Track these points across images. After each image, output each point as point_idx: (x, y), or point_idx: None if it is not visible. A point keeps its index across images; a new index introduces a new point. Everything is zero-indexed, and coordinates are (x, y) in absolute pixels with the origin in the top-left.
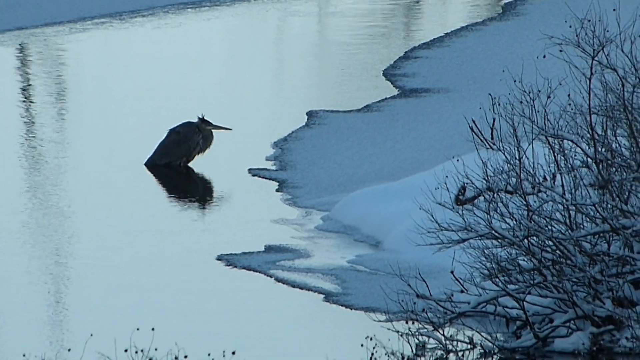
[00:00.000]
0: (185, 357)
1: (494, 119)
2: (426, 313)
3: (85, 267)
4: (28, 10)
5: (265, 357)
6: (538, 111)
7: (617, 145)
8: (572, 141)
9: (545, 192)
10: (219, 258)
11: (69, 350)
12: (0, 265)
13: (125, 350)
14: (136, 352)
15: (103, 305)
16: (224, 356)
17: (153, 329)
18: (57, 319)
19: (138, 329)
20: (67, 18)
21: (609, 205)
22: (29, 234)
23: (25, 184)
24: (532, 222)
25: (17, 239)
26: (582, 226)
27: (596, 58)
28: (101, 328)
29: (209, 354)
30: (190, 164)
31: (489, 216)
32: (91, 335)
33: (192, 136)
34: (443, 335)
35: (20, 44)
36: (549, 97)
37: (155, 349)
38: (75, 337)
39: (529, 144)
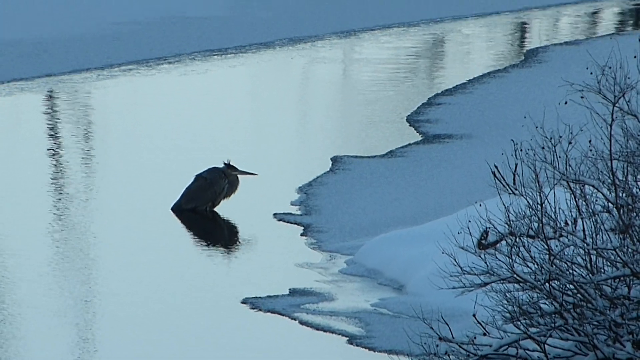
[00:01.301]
0: None
1: (516, 165)
2: (449, 356)
3: (111, 310)
4: (56, 57)
5: None
6: (559, 157)
7: (638, 190)
8: (593, 186)
9: (567, 237)
10: (244, 301)
11: None
12: (28, 309)
13: None
14: None
15: (129, 348)
16: None
17: None
18: None
19: None
20: (95, 65)
21: (629, 250)
22: (57, 276)
23: (52, 227)
24: (554, 266)
25: (45, 281)
26: (602, 270)
27: (617, 104)
28: None
29: None
30: (216, 209)
31: (511, 260)
32: None
33: (218, 181)
34: None
35: (48, 90)
36: (570, 142)
37: None
38: None
39: (551, 189)
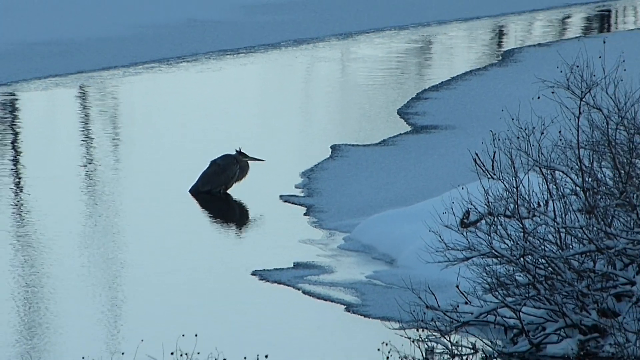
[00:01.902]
0: (225, 359)
1: (494, 152)
2: (434, 322)
3: (136, 281)
4: (87, 56)
5: (295, 358)
6: (533, 145)
7: (602, 175)
8: (562, 172)
9: (539, 217)
10: (253, 273)
11: (123, 354)
12: (62, 277)
13: (172, 354)
14: (181, 355)
15: (152, 314)
16: (258, 358)
17: (196, 335)
18: (112, 326)
19: (183, 335)
20: (121, 63)
21: (594, 228)
22: (89, 250)
23: (85, 204)
24: (528, 243)
25: (77, 254)
26: (571, 246)
27: (584, 99)
28: (151, 334)
29: (244, 357)
30: (228, 191)
31: (489, 237)
32: (142, 340)
33: (230, 167)
34: (449, 341)
35: (80, 86)
36: (542, 133)
37: (198, 353)
38: (127, 342)
39: (525, 174)
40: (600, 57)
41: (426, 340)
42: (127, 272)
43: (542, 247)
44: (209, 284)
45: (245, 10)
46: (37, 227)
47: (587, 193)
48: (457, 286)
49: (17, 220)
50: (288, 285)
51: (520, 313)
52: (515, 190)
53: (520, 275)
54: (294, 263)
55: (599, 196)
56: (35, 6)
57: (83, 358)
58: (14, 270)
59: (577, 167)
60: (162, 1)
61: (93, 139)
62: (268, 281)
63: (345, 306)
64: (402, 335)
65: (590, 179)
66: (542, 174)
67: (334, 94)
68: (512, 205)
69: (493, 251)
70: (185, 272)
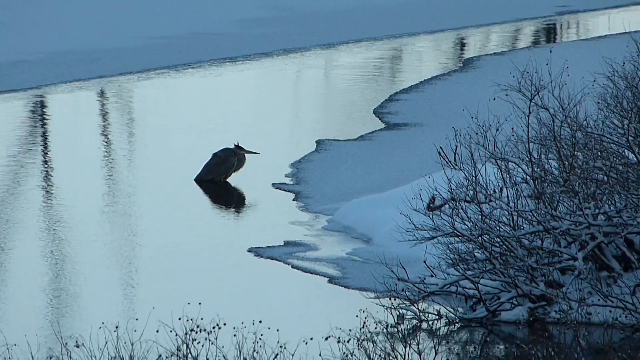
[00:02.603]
0: (225, 324)
1: (456, 146)
2: (405, 292)
3: (148, 257)
4: (106, 64)
5: (283, 324)
6: (489, 140)
7: (549, 166)
8: (515, 163)
9: (495, 202)
10: (249, 250)
11: (137, 319)
12: (84, 254)
13: (179, 319)
14: (187, 320)
15: (161, 285)
16: (253, 324)
17: (200, 304)
18: (127, 296)
19: (189, 303)
20: (136, 69)
21: (542, 212)
22: (107, 230)
23: (104, 194)
24: (485, 224)
25: (98, 234)
26: (522, 227)
27: (533, 100)
28: (161, 302)
29: (242, 322)
30: (228, 180)
31: (452, 219)
32: (153, 307)
33: (229, 158)
34: (417, 309)
35: (100, 89)
36: (497, 129)
37: (202, 318)
38: (141, 309)
39: (483, 165)
40: (547, 64)
41: (398, 307)
42: (140, 250)
43: (497, 227)
44: (211, 259)
45: (242, 24)
46: (63, 210)
47: (536, 181)
48: (424, 261)
49: (47, 205)
50: (279, 261)
51: (479, 284)
52: (474, 179)
53: (478, 252)
54: (284, 241)
55: (546, 184)
56: (62, 20)
57: (103, 323)
58: (44, 247)
59: (527, 159)
60: (170, 16)
61: (111, 135)
62: (262, 257)
63: (328, 278)
64: (377, 304)
65: (538, 169)
66: (497, 165)
67: (319, 95)
68: (471, 192)
69: (455, 231)
70: (190, 249)
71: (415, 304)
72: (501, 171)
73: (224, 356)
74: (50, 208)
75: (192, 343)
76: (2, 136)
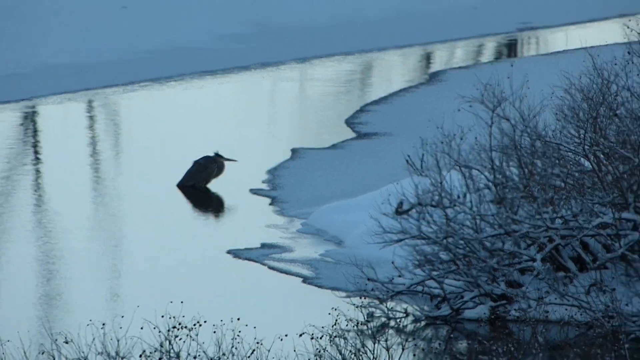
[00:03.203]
0: (205, 322)
1: (423, 154)
2: (374, 291)
3: (132, 258)
4: (93, 76)
5: (260, 322)
6: (454, 149)
7: (510, 173)
8: (478, 170)
9: (459, 206)
10: (228, 252)
11: (122, 317)
12: (72, 257)
13: (162, 317)
14: (169, 318)
15: (145, 285)
16: (231, 321)
17: (182, 302)
18: (113, 295)
19: (171, 302)
20: (121, 82)
21: (503, 216)
22: (94, 233)
23: (91, 199)
24: (449, 227)
25: (85, 236)
26: (484, 230)
27: (495, 111)
28: (144, 301)
29: (221, 320)
30: (208, 185)
31: (419, 223)
32: (138, 306)
33: (209, 165)
34: (386, 307)
35: (88, 100)
36: (461, 138)
37: (183, 316)
38: (126, 307)
39: (448, 172)
40: (508, 77)
41: (367, 306)
42: (125, 251)
43: (461, 231)
44: (192, 260)
45: (221, 39)
46: (52, 215)
47: (498, 187)
48: (393, 262)
49: (36, 211)
50: (256, 262)
51: (443, 284)
52: (439, 185)
53: (443, 254)
54: (260, 244)
55: (507, 190)
56: (52, 35)
57: (90, 320)
58: (35, 250)
59: (489, 166)
60: (154, 32)
61: (98, 143)
62: (240, 258)
63: (302, 278)
64: (348, 303)
65: (500, 176)
66: (461, 171)
67: (294, 106)
68: (437, 197)
69: (421, 234)
70: (172, 251)
71: (383, 303)
72: (465, 178)
73: (204, 352)
74: (41, 213)
75: (175, 339)
76: None
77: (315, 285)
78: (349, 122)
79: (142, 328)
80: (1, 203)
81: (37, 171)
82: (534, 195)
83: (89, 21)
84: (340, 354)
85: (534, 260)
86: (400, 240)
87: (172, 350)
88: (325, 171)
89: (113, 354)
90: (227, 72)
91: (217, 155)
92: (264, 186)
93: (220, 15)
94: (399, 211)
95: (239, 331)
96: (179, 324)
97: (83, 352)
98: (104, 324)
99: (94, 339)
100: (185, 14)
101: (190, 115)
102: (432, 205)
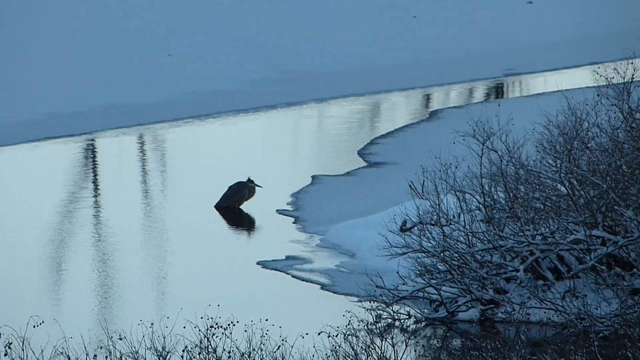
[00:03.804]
0: (238, 322)
1: (423, 181)
2: (382, 297)
3: (176, 267)
4: (144, 114)
5: (284, 322)
6: (450, 176)
7: (497, 196)
8: (470, 194)
9: (454, 224)
10: (258, 263)
11: (168, 317)
12: (125, 266)
13: (201, 317)
14: (208, 319)
15: (187, 291)
16: (260, 322)
17: (218, 305)
18: (159, 299)
19: (209, 305)
20: (167, 118)
21: (491, 233)
22: (145, 246)
23: (141, 217)
24: (446, 242)
25: (137, 249)
26: (475, 245)
27: (485, 144)
28: (187, 304)
29: (251, 320)
30: (241, 207)
31: (420, 239)
32: (181, 308)
33: (242, 190)
34: (392, 310)
35: (139, 134)
36: (456, 167)
37: (219, 317)
38: (170, 310)
39: (444, 196)
40: (496, 115)
41: (376, 309)
42: (170, 262)
43: (456, 245)
44: (227, 269)
45: (252, 83)
46: (109, 231)
47: (487, 208)
48: (397, 272)
49: (96, 226)
50: (281, 271)
51: (441, 291)
52: (437, 206)
53: (440, 265)
54: (285, 256)
55: (495, 210)
56: (108, 78)
57: (141, 320)
58: (93, 260)
59: (480, 190)
60: (195, 77)
61: (148, 171)
62: (267, 268)
63: (320, 285)
64: (359, 306)
65: (489, 199)
66: (456, 195)
67: (313, 140)
68: (435, 217)
69: (422, 248)
70: (210, 261)
71: (390, 306)
72: (459, 200)
73: (237, 347)
74: (100, 229)
75: (212, 337)
76: (62, 171)
77: (332, 292)
78: (360, 153)
79: (184, 327)
80: (66, 220)
81: (96, 193)
82: (517, 215)
83: (140, 67)
84: (353, 349)
85: (517, 270)
86: (404, 253)
87: (209, 346)
88: (340, 195)
89: (160, 349)
90: (256, 110)
91: (249, 181)
92: (288, 207)
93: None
94: (403, 229)
95: (267, 330)
96: (216, 323)
97: (134, 347)
98: (152, 324)
99: (143, 336)
100: (221, 61)
101: (225, 147)
102: (431, 224)
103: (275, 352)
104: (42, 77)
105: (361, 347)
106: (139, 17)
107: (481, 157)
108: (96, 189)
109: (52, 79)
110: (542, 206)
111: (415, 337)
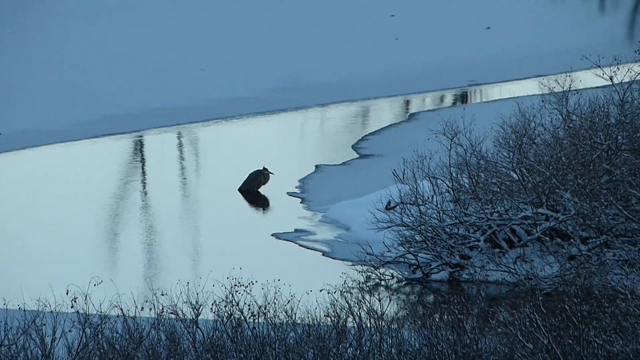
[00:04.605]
0: (256, 281)
1: (404, 169)
2: (371, 262)
3: (205, 238)
4: (181, 116)
5: (293, 281)
6: (425, 165)
7: (463, 181)
8: (441, 179)
9: (428, 204)
10: (272, 234)
11: (200, 278)
12: (165, 237)
13: (227, 278)
14: (232, 279)
15: (215, 256)
16: (274, 281)
17: (240, 268)
18: (193, 265)
19: (233, 268)
20: (200, 119)
21: (458, 210)
22: (180, 224)
23: (178, 198)
24: (422, 218)
25: (174, 221)
26: (445, 220)
27: (453, 139)
28: (215, 267)
29: (267, 280)
30: (259, 190)
31: (401, 215)
32: (211, 271)
33: (259, 176)
34: (379, 272)
35: (178, 132)
36: (430, 158)
37: (241, 277)
38: (201, 272)
39: (421, 181)
40: (462, 117)
41: (366, 271)
42: (201, 234)
43: (430, 220)
44: (247, 240)
45: (268, 92)
46: (153, 210)
47: (454, 191)
48: (383, 242)
49: (142, 208)
50: (291, 241)
51: (418, 257)
52: (415, 189)
53: (417, 236)
54: (294, 229)
55: (461, 193)
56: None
57: (179, 280)
58: (141, 235)
59: (449, 177)
60: (222, 86)
61: (184, 162)
62: (280, 239)
63: (322, 253)
64: (353, 269)
65: (456, 184)
66: (430, 181)
67: (316, 136)
68: (413, 198)
69: (403, 223)
70: (234, 233)
71: (377, 269)
72: (432, 185)
73: (255, 302)
74: (145, 207)
75: (235, 293)
76: (115, 163)
77: (331, 257)
78: (354, 147)
79: (213, 285)
80: (119, 200)
81: (143, 179)
82: (479, 197)
83: (178, 79)
84: (347, 303)
85: (478, 240)
86: (389, 227)
87: (233, 301)
88: (338, 180)
89: (194, 302)
90: (271, 113)
91: (264, 169)
92: (296, 190)
93: (266, 75)
94: (388, 207)
95: (279, 288)
96: (238, 283)
97: (173, 302)
98: (187, 283)
99: (181, 293)
100: (242, 74)
101: (246, 143)
102: (410, 204)
103: (285, 305)
104: (98, 85)
105: (354, 301)
106: (178, 40)
107: (450, 150)
108: (143, 175)
109: (106, 87)
110: (498, 189)
111: (397, 293)
